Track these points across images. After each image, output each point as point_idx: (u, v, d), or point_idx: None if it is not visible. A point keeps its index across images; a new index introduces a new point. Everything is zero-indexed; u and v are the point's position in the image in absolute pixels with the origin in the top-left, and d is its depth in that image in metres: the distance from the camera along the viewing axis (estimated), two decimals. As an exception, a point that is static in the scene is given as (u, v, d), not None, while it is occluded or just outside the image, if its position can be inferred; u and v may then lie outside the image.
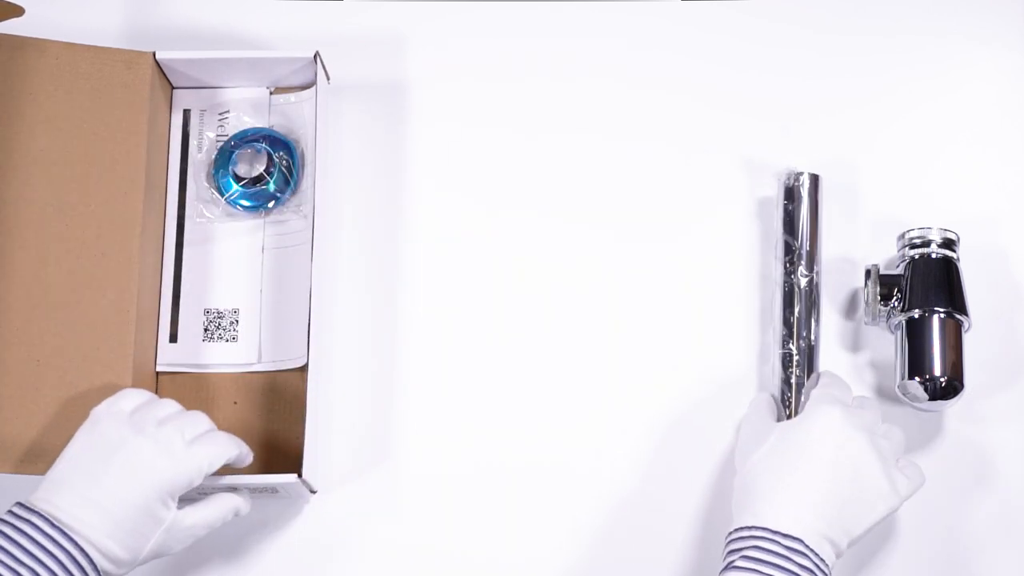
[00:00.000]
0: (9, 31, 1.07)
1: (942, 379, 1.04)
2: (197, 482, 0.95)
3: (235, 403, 1.08)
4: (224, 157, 1.11)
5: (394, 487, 1.07)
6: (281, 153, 1.11)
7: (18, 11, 1.06)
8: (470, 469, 1.08)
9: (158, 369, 1.08)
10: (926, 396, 1.04)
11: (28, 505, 0.90)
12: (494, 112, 1.16)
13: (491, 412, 1.09)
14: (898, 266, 1.08)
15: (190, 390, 1.08)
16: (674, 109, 1.15)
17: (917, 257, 1.07)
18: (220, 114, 1.13)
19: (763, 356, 1.09)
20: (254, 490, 1.03)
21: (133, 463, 0.92)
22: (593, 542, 1.06)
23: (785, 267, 1.07)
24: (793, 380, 1.04)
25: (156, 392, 1.08)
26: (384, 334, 1.11)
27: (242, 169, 1.11)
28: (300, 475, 1.00)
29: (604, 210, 1.13)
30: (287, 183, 1.11)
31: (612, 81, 1.16)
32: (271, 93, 1.14)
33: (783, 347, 1.06)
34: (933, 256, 1.07)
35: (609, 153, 1.15)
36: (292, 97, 1.14)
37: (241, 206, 1.10)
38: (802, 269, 1.07)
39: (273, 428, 1.07)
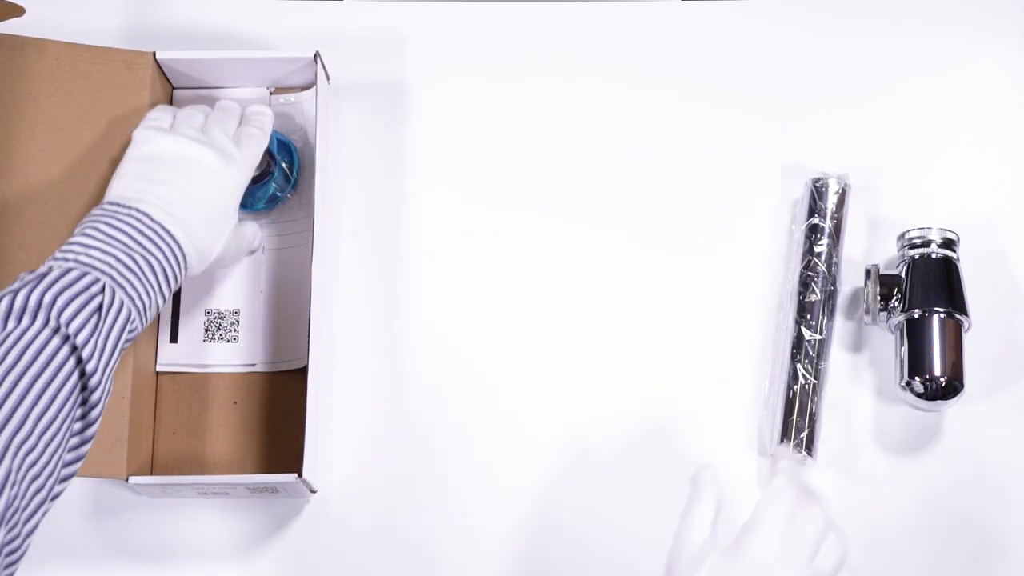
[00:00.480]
0: (9, 31, 1.07)
1: (942, 379, 1.04)
2: (251, 174, 1.02)
3: (235, 403, 1.08)
4: None
5: (394, 487, 1.07)
6: (282, 153, 1.10)
7: (18, 11, 1.06)
8: (470, 469, 1.08)
9: (158, 369, 1.08)
10: (926, 396, 1.04)
11: (122, 203, 0.95)
12: (494, 112, 1.16)
13: (491, 412, 1.09)
14: (898, 266, 1.08)
15: (190, 390, 1.08)
16: (674, 109, 1.15)
17: (917, 257, 1.07)
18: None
19: (764, 356, 1.09)
20: (254, 490, 1.03)
21: (202, 167, 0.98)
22: (593, 541, 1.06)
23: (802, 277, 1.08)
24: (797, 401, 1.05)
25: (156, 394, 1.08)
26: (384, 334, 1.11)
27: None
28: (300, 475, 1.00)
29: (604, 210, 1.13)
30: (287, 182, 1.11)
31: (612, 81, 1.16)
32: (271, 93, 1.14)
33: (791, 362, 1.07)
34: (933, 256, 1.07)
35: (609, 153, 1.15)
36: (292, 97, 1.14)
37: (242, 207, 1.10)
38: (821, 283, 1.08)
39: (273, 428, 1.07)
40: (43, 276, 0.87)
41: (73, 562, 1.06)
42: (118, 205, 0.95)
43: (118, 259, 0.91)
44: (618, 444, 1.08)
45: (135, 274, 0.91)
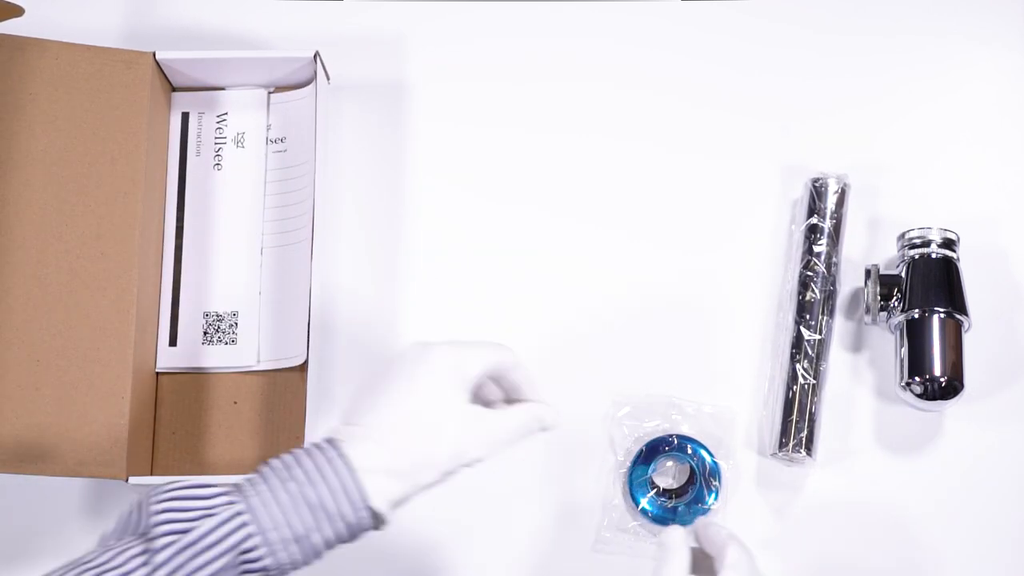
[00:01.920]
0: (9, 31, 1.07)
1: (942, 379, 1.04)
2: (474, 371, 0.85)
3: (235, 403, 1.08)
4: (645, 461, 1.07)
5: (394, 487, 1.07)
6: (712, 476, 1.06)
7: (18, 11, 1.06)
8: (470, 469, 1.07)
9: (158, 370, 1.08)
10: (926, 396, 1.04)
11: (352, 472, 0.81)
12: (494, 112, 1.16)
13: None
14: (898, 266, 1.08)
15: (190, 390, 1.08)
16: (673, 109, 1.15)
17: (917, 257, 1.07)
18: (219, 116, 1.13)
19: (764, 356, 1.09)
20: (254, 490, 1.03)
21: (407, 361, 0.84)
22: (591, 541, 1.06)
23: (802, 277, 1.08)
24: (796, 401, 1.05)
25: (156, 394, 1.08)
26: (384, 334, 1.11)
27: (662, 480, 1.07)
28: (300, 475, 1.00)
29: (603, 210, 1.13)
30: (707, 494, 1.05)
31: (612, 81, 1.16)
32: (271, 93, 1.14)
33: (791, 361, 1.07)
34: (933, 256, 1.07)
35: (608, 153, 1.15)
36: (292, 96, 1.14)
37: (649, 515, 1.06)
38: (821, 283, 1.07)
39: (273, 428, 1.07)
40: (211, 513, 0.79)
41: (73, 562, 1.06)
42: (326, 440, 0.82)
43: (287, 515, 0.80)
44: (618, 444, 1.08)
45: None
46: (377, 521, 0.82)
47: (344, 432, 0.83)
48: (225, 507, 0.80)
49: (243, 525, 0.79)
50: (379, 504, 0.81)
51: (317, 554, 0.81)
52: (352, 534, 0.82)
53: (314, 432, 1.02)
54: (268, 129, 1.13)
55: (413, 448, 0.82)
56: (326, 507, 0.80)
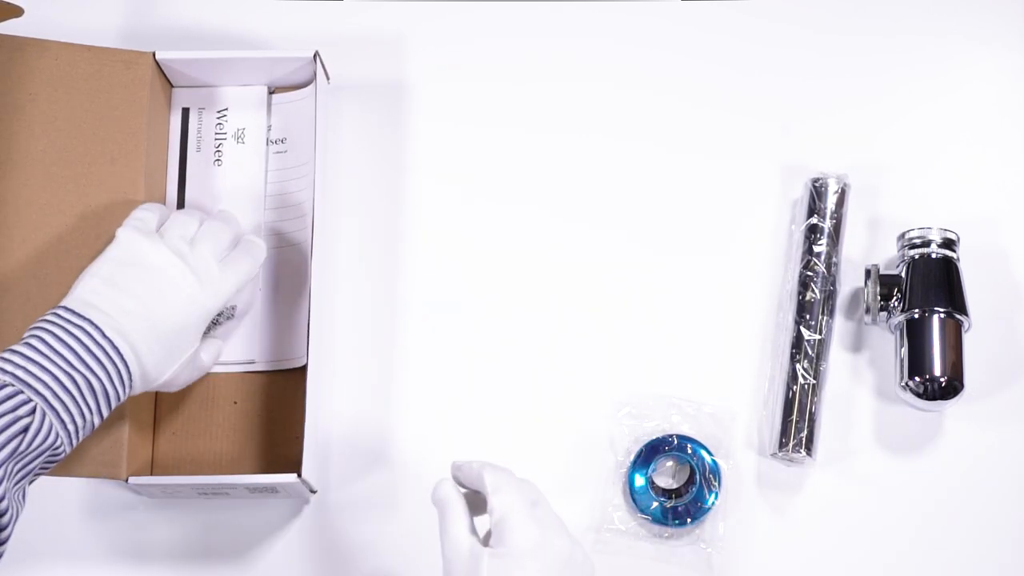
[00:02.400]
0: (9, 31, 1.07)
1: (942, 379, 1.04)
2: (230, 298, 0.99)
3: (235, 403, 1.08)
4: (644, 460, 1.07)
5: (394, 487, 1.07)
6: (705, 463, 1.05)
7: (18, 11, 1.06)
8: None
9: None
10: (926, 396, 1.04)
11: (77, 311, 0.91)
12: (494, 112, 1.16)
13: (492, 413, 1.09)
14: (898, 266, 1.08)
15: (190, 390, 1.08)
16: (673, 109, 1.15)
17: (917, 257, 1.07)
18: (219, 112, 1.13)
19: (764, 356, 1.09)
20: (254, 490, 1.03)
21: (176, 287, 0.94)
22: (591, 542, 1.06)
23: (802, 277, 1.08)
24: (796, 401, 1.05)
25: (156, 394, 1.08)
26: (384, 334, 1.11)
27: (662, 480, 1.07)
28: (300, 475, 1.00)
29: (603, 209, 1.13)
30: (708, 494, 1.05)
31: (612, 81, 1.16)
32: (271, 93, 1.14)
33: (791, 361, 1.07)
34: (933, 256, 1.07)
35: (608, 153, 1.15)
36: (292, 96, 1.14)
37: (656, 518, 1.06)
38: (821, 283, 1.07)
39: (273, 428, 1.07)
40: None
41: (73, 562, 1.06)
42: (72, 313, 0.91)
43: (57, 378, 0.88)
44: (618, 444, 1.08)
45: (72, 396, 0.88)
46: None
47: (104, 319, 0.91)
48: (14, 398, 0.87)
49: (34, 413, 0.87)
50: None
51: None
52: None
53: (313, 433, 1.02)
54: (268, 130, 1.13)
55: (156, 363, 0.94)
56: (108, 394, 0.91)
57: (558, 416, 1.09)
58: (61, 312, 0.91)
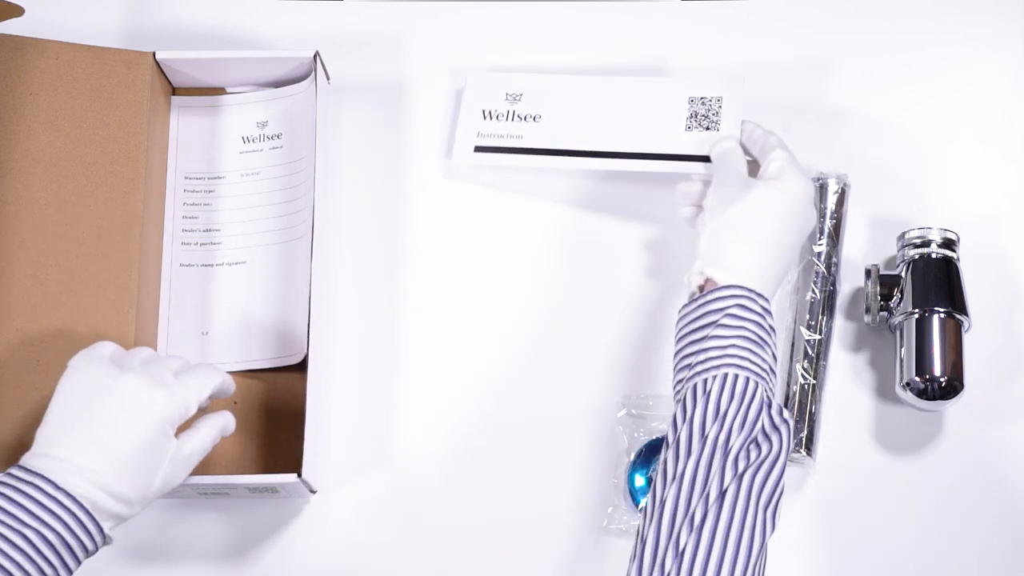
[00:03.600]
0: (9, 31, 1.07)
1: (942, 379, 1.04)
2: (192, 411, 0.94)
3: (235, 403, 1.07)
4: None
5: (394, 487, 1.07)
6: None
7: (18, 11, 1.07)
8: (470, 469, 1.08)
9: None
10: (926, 396, 1.04)
11: (28, 467, 0.88)
12: (494, 112, 1.16)
13: (492, 412, 1.09)
14: (898, 266, 1.08)
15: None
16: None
17: (917, 257, 1.07)
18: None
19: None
20: (254, 490, 1.03)
21: (129, 399, 0.90)
22: (591, 542, 1.06)
23: (802, 278, 1.08)
24: (796, 401, 1.06)
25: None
26: (384, 334, 1.11)
27: None
28: (300, 475, 1.00)
29: (603, 209, 1.13)
30: None
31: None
32: (271, 93, 1.14)
33: (792, 358, 1.07)
34: (933, 256, 1.07)
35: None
36: (289, 91, 1.14)
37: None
38: (821, 283, 1.08)
39: (273, 428, 1.07)
40: None
41: (73, 562, 1.06)
42: (23, 470, 0.88)
43: (8, 539, 0.85)
44: (618, 444, 1.08)
45: (26, 554, 0.85)
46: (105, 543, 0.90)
47: (57, 466, 0.88)
48: None
49: None
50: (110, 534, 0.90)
51: None
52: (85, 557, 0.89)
53: (313, 433, 1.02)
54: (266, 126, 1.13)
55: (133, 485, 0.90)
56: (69, 545, 0.87)
57: (559, 416, 1.08)
58: (15, 471, 0.88)
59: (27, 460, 0.89)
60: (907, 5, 1.18)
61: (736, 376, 0.90)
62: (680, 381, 0.93)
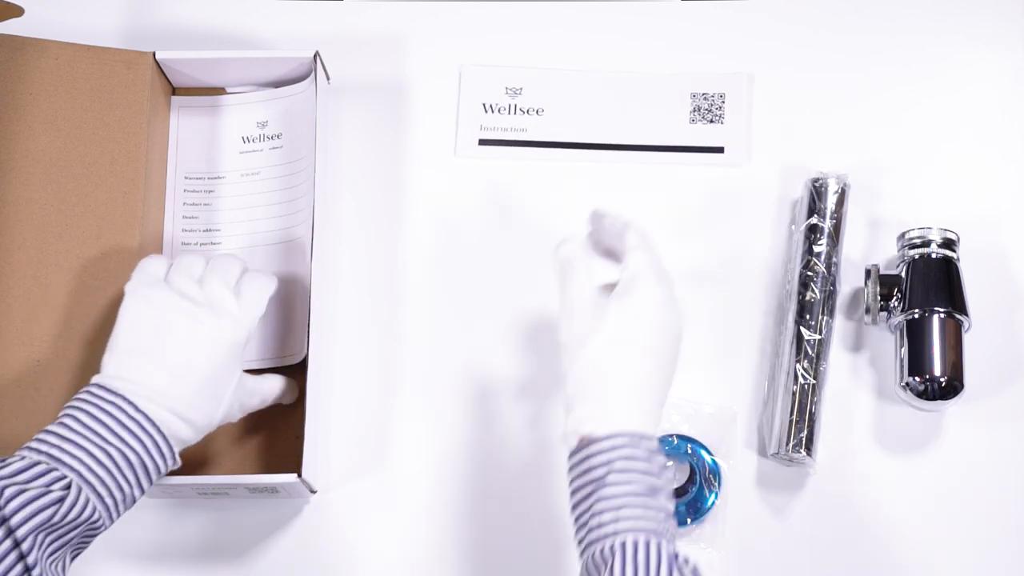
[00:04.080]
0: (9, 31, 1.07)
1: (942, 379, 1.04)
2: (254, 328, 0.98)
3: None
4: None
5: (393, 487, 1.07)
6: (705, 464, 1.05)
7: (18, 11, 1.07)
8: (470, 469, 1.08)
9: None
10: (926, 396, 1.04)
11: (108, 387, 0.91)
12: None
13: (492, 412, 1.09)
14: (898, 266, 1.08)
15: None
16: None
17: (917, 257, 1.07)
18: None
19: (764, 356, 1.09)
20: (254, 490, 1.03)
21: (196, 329, 0.94)
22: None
23: (802, 277, 1.08)
24: (796, 401, 1.05)
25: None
26: (384, 334, 1.11)
27: None
28: (300, 475, 1.00)
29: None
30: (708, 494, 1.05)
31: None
32: (270, 91, 1.14)
33: (791, 361, 1.07)
34: (933, 256, 1.07)
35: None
36: (289, 91, 1.14)
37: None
38: (821, 283, 1.07)
39: (273, 428, 1.07)
40: (7, 464, 0.86)
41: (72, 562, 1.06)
42: (103, 389, 0.91)
43: (92, 454, 0.88)
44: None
45: (108, 471, 0.89)
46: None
47: (135, 389, 0.91)
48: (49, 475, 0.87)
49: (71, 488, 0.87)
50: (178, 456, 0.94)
51: (134, 501, 0.92)
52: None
53: (314, 433, 1.02)
54: (266, 126, 1.13)
55: (203, 411, 0.94)
56: (146, 466, 0.91)
57: (559, 416, 1.08)
58: (93, 390, 0.91)
59: (104, 380, 0.92)
60: (907, 5, 1.18)
61: (636, 543, 0.83)
62: (579, 541, 0.87)
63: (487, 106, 1.15)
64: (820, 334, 1.07)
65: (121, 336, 0.94)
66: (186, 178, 1.13)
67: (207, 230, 1.12)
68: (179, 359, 0.93)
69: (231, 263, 0.99)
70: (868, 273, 1.08)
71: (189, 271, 0.97)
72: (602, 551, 0.84)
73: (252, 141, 1.13)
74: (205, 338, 0.94)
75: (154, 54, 1.09)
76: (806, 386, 1.06)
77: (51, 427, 0.90)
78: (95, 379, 0.92)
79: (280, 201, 1.12)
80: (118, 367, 0.92)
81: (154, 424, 0.91)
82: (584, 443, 0.88)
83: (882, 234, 1.12)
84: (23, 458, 0.87)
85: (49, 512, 0.85)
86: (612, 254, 0.95)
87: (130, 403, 0.90)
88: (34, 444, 0.89)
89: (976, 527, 1.05)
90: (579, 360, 0.90)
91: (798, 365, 1.06)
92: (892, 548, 1.05)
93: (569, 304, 0.91)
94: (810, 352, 1.06)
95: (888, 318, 1.07)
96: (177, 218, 1.12)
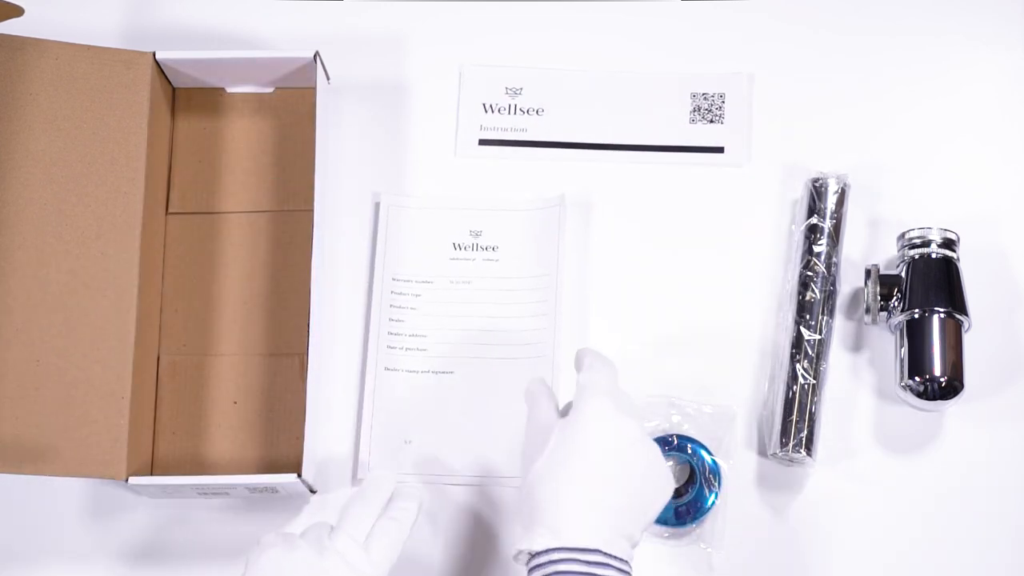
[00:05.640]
0: (9, 31, 1.07)
1: (942, 379, 1.04)
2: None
3: (235, 403, 1.08)
4: None
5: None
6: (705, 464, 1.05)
7: (18, 11, 1.06)
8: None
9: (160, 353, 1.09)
10: (926, 396, 1.04)
11: None
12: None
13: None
14: (898, 266, 1.08)
15: (190, 390, 1.08)
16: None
17: (917, 257, 1.07)
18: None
19: (764, 356, 1.09)
20: (254, 490, 1.03)
21: None
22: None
23: (802, 277, 1.08)
24: (796, 401, 1.05)
25: (156, 393, 1.08)
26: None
27: None
28: (300, 475, 1.00)
29: (604, 209, 1.13)
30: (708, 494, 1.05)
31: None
32: (271, 93, 1.14)
33: (791, 361, 1.07)
34: (933, 256, 1.07)
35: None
36: (291, 94, 1.14)
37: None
38: (821, 283, 1.07)
39: (273, 428, 1.07)
40: None
41: (72, 562, 1.06)
42: None
43: None
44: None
45: None
46: None
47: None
48: None
49: None
50: None
51: None
52: None
53: (313, 433, 1.02)
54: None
55: None
56: None
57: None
58: None
59: None
60: (907, 5, 1.18)
61: None
62: None
63: (487, 106, 1.15)
64: (820, 334, 1.07)
65: None
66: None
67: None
68: None
69: (366, 505, 0.93)
70: (868, 273, 1.08)
71: (318, 531, 0.92)
72: None
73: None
74: None
75: (154, 54, 1.09)
76: (806, 386, 1.06)
77: None
78: None
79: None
80: None
81: None
82: (528, 559, 0.88)
83: (882, 234, 1.12)
84: None
85: None
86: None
87: None
88: None
89: (976, 527, 1.05)
90: (525, 479, 0.91)
91: (798, 365, 1.06)
92: (892, 548, 1.05)
93: (529, 430, 0.94)
94: (810, 352, 1.06)
95: (888, 318, 1.07)
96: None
